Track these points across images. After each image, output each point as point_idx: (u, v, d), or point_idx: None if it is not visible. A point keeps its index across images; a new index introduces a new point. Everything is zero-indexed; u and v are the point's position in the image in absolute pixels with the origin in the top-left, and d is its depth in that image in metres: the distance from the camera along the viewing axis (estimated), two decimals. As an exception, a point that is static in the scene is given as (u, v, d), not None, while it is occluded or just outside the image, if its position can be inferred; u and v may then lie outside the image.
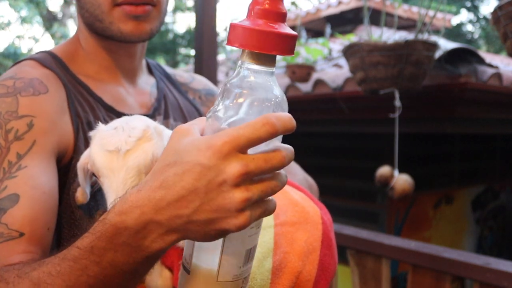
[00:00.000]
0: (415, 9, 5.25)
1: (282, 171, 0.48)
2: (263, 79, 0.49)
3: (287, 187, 0.77)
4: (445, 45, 2.33)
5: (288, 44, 0.47)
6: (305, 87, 2.91)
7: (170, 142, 0.49)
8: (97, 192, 0.77)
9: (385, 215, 3.46)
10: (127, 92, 0.92)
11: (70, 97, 0.81)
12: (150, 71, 1.03)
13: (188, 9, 12.12)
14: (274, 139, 0.48)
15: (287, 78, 2.99)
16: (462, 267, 1.66)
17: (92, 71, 0.89)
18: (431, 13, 2.13)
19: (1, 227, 0.64)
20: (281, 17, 0.47)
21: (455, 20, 11.75)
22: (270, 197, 0.49)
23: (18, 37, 11.20)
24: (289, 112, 0.49)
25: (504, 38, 1.41)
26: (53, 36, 9.97)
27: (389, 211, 3.45)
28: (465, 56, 2.23)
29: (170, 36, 11.66)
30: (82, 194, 0.75)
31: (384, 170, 2.08)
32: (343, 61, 3.23)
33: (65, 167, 0.77)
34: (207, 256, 0.53)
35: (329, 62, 3.62)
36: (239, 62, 0.49)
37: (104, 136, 0.65)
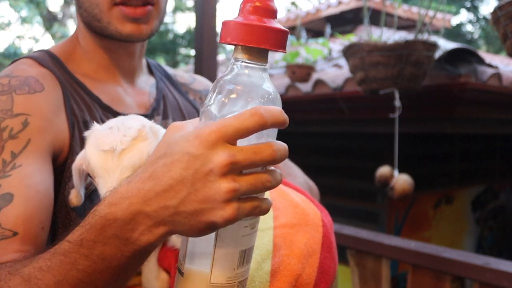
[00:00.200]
0: (415, 9, 5.25)
1: (277, 170, 0.48)
2: (256, 75, 0.49)
3: (287, 189, 0.77)
4: (445, 45, 2.33)
5: (279, 39, 0.48)
6: (305, 87, 2.91)
7: (163, 137, 0.49)
8: (92, 193, 0.76)
9: (385, 215, 3.46)
10: (125, 92, 0.92)
11: (66, 96, 0.80)
12: (151, 71, 1.02)
13: (188, 9, 12.11)
14: (268, 136, 0.48)
15: (287, 78, 2.99)
16: (462, 267, 1.66)
17: (90, 70, 0.89)
18: (431, 13, 2.13)
19: None
20: (272, 13, 0.48)
21: (455, 20, 11.75)
22: (265, 196, 0.49)
23: (19, 37, 11.21)
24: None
25: (504, 38, 1.41)
26: (53, 36, 9.98)
27: (389, 211, 3.44)
28: (465, 56, 2.23)
29: (170, 36, 11.66)
30: (76, 196, 0.74)
31: (384, 170, 2.08)
32: (343, 61, 3.23)
33: (61, 166, 0.77)
34: (200, 257, 0.52)
35: (329, 62, 3.62)
36: (232, 59, 0.50)
37: (99, 136, 0.64)
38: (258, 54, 0.49)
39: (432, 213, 3.78)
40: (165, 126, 0.81)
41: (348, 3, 5.01)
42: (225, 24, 0.48)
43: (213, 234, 0.49)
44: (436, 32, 4.56)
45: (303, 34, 3.38)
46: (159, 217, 0.46)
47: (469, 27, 12.85)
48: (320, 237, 0.69)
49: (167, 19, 12.00)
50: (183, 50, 12.00)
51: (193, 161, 0.44)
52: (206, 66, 2.32)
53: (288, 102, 3.05)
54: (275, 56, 3.51)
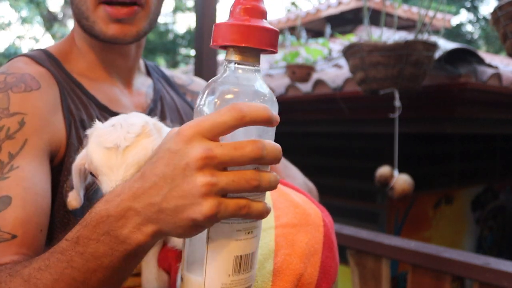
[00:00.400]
0: (415, 9, 5.26)
1: (271, 172, 0.47)
2: (249, 76, 0.49)
3: (287, 189, 0.77)
4: (445, 45, 2.33)
5: (269, 38, 0.48)
6: (305, 87, 2.91)
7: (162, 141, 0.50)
8: (92, 195, 0.76)
9: (385, 215, 3.46)
10: (122, 92, 0.91)
11: (63, 94, 0.79)
12: (148, 72, 1.02)
13: (188, 9, 12.11)
14: (260, 136, 0.48)
15: (287, 78, 2.99)
16: (462, 267, 1.66)
17: (86, 69, 0.88)
18: (431, 13, 2.13)
19: None
20: (262, 14, 0.49)
21: (454, 21, 11.75)
22: (259, 198, 0.48)
23: (19, 37, 11.19)
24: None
25: (504, 38, 1.41)
26: (53, 36, 9.98)
27: (389, 211, 3.44)
28: (465, 56, 2.23)
29: (170, 36, 11.65)
30: (75, 198, 0.73)
31: (384, 170, 2.08)
32: (343, 61, 3.23)
33: (58, 166, 0.76)
34: (196, 264, 0.51)
35: (329, 62, 3.62)
36: (225, 62, 0.50)
37: (102, 134, 0.63)
38: (249, 54, 0.49)
39: (432, 213, 3.78)
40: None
41: (348, 3, 5.01)
42: (216, 27, 0.49)
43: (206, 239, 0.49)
44: (436, 32, 4.57)
45: (303, 34, 3.38)
46: (146, 214, 0.47)
47: (469, 27, 12.86)
48: (322, 237, 0.69)
49: (167, 19, 12.01)
50: (183, 50, 11.99)
51: (173, 156, 0.45)
52: (206, 66, 2.32)
53: (288, 102, 3.05)
54: (275, 56, 3.51)
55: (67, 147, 0.76)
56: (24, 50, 10.55)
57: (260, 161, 0.45)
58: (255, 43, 0.47)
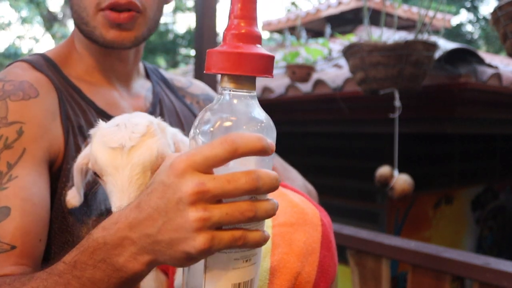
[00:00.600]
0: (415, 9, 5.26)
1: (270, 199, 0.46)
2: (244, 103, 0.48)
3: (286, 190, 0.77)
4: (445, 45, 2.33)
5: (264, 64, 0.47)
6: (305, 87, 2.91)
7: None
8: (90, 197, 0.76)
9: (385, 215, 3.46)
10: (121, 96, 0.91)
11: (61, 101, 0.79)
12: (147, 75, 1.02)
13: (188, 9, 12.11)
14: (256, 165, 0.47)
15: (287, 78, 2.99)
16: (462, 267, 1.66)
17: (85, 73, 0.88)
18: (431, 13, 2.13)
19: None
20: (256, 39, 0.48)
21: (454, 21, 11.75)
22: (256, 228, 0.47)
23: (19, 37, 11.20)
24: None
25: (504, 38, 1.41)
26: (53, 36, 9.98)
27: (389, 211, 3.44)
28: (465, 56, 2.23)
29: (170, 36, 11.66)
30: (74, 197, 0.72)
31: (384, 170, 2.08)
32: (343, 61, 3.23)
33: (56, 172, 0.76)
34: None
35: (329, 62, 3.62)
36: (220, 89, 0.49)
37: (106, 133, 0.62)
38: (244, 81, 0.47)
39: (432, 213, 3.78)
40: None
41: (348, 3, 5.01)
42: (208, 54, 0.47)
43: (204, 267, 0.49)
44: (436, 32, 4.57)
45: (303, 34, 3.37)
46: (142, 245, 0.47)
47: (469, 27, 12.86)
48: (319, 236, 0.69)
49: (167, 19, 12.01)
50: (183, 50, 11.99)
51: (166, 190, 0.45)
52: (206, 66, 2.31)
53: (288, 102, 3.05)
54: (275, 57, 3.51)
55: (64, 153, 0.76)
56: (24, 50, 10.56)
57: (255, 192, 0.44)
58: (249, 70, 0.46)
